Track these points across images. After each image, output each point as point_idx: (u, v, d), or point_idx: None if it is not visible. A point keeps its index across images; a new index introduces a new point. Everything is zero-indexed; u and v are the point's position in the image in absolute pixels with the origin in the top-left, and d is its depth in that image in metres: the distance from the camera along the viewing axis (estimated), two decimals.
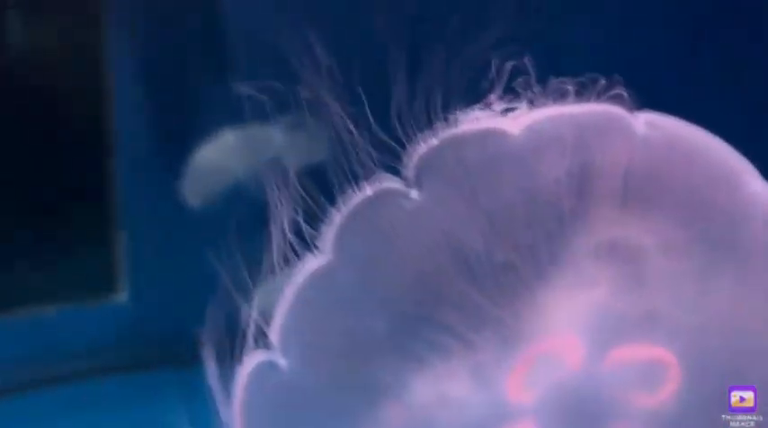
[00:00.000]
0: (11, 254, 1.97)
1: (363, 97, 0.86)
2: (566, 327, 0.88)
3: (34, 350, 1.96)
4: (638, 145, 0.87)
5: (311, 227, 0.85)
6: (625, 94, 0.87)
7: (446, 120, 0.85)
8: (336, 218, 0.85)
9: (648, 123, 0.88)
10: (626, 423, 0.89)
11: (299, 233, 0.85)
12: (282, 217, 0.86)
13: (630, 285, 0.88)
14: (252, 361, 0.87)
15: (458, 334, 0.86)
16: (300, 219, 0.85)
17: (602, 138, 0.86)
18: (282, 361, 0.86)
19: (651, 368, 0.89)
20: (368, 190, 0.85)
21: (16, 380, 1.93)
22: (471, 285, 0.86)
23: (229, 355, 0.88)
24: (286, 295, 0.85)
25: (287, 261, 0.84)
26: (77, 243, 2.06)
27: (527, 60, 0.84)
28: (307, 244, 0.85)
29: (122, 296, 2.07)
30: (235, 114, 0.95)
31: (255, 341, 0.86)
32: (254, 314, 0.86)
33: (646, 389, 0.90)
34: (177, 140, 1.95)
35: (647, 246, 0.88)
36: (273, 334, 0.85)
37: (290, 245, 0.85)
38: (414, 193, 0.85)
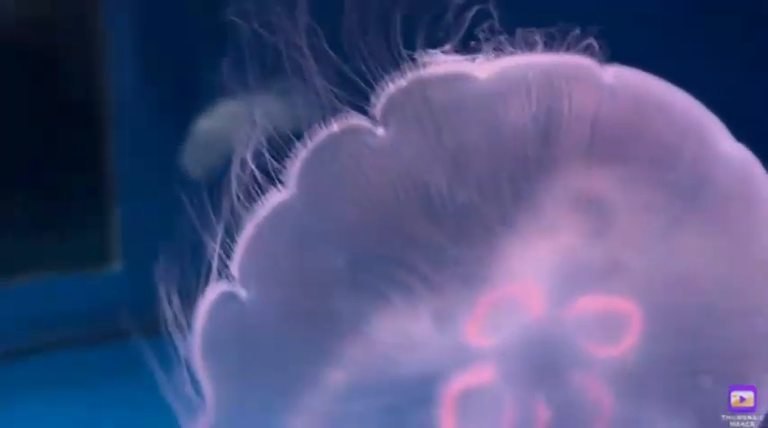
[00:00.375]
0: (9, 224, 1.98)
1: (333, 37, 0.87)
2: (529, 274, 0.88)
3: (32, 316, 1.97)
4: (606, 95, 0.87)
5: (277, 161, 0.86)
6: (595, 47, 0.87)
7: (414, 61, 0.85)
8: (301, 152, 0.85)
9: (617, 75, 0.88)
10: (586, 373, 0.90)
11: (264, 167, 0.85)
12: (248, 150, 0.86)
13: (596, 235, 0.89)
14: (213, 292, 0.87)
15: (419, 274, 0.87)
16: (266, 153, 0.86)
17: (569, 87, 0.86)
18: (243, 293, 0.86)
19: (613, 319, 0.90)
20: (334, 126, 0.85)
21: (13, 346, 1.94)
22: (434, 225, 0.86)
23: (194, 289, 0.88)
24: (248, 228, 0.85)
25: (250, 194, 0.85)
26: (74, 213, 2.07)
27: (493, 7, 0.85)
28: (271, 178, 0.85)
29: (117, 265, 2.08)
30: (232, 84, 0.95)
31: (218, 273, 0.86)
32: (218, 247, 0.86)
33: (607, 340, 0.90)
34: (175, 111, 1.96)
35: (615, 197, 0.89)
36: (234, 267, 0.86)
37: (255, 178, 0.85)
38: (380, 131, 0.85)
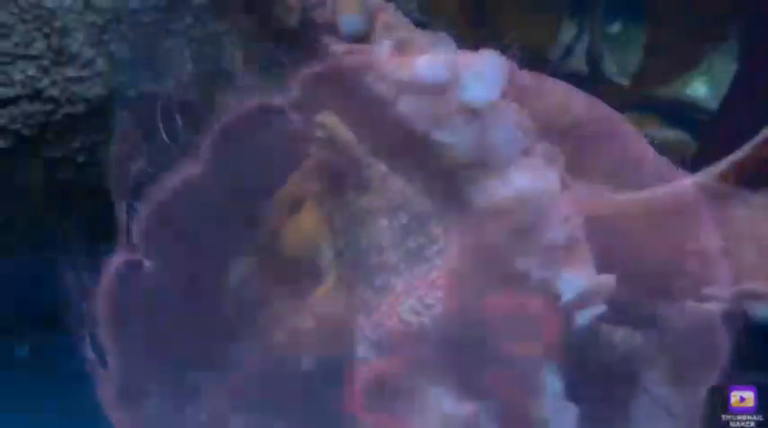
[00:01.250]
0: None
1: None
2: (448, 268, 0.88)
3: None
4: (528, 95, 0.87)
5: (192, 135, 0.87)
6: (517, 52, 0.88)
7: (331, 49, 0.86)
8: (214, 128, 0.86)
9: (536, 79, 0.88)
10: (500, 372, 0.89)
11: (177, 141, 0.86)
12: (162, 124, 0.87)
13: (521, 233, 0.88)
14: (116, 260, 0.88)
15: (332, 258, 0.87)
16: (180, 128, 0.87)
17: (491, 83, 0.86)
18: (145, 262, 0.87)
19: (533, 318, 0.89)
20: (248, 105, 0.86)
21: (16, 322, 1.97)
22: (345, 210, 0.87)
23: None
24: (153, 197, 0.86)
25: (161, 167, 0.86)
26: (76, 196, 2.08)
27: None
28: (184, 151, 0.86)
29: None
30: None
31: (125, 241, 0.87)
32: (126, 216, 0.87)
33: (525, 338, 0.89)
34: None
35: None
36: (137, 235, 0.86)
37: (168, 151, 0.86)
38: (294, 115, 0.86)
